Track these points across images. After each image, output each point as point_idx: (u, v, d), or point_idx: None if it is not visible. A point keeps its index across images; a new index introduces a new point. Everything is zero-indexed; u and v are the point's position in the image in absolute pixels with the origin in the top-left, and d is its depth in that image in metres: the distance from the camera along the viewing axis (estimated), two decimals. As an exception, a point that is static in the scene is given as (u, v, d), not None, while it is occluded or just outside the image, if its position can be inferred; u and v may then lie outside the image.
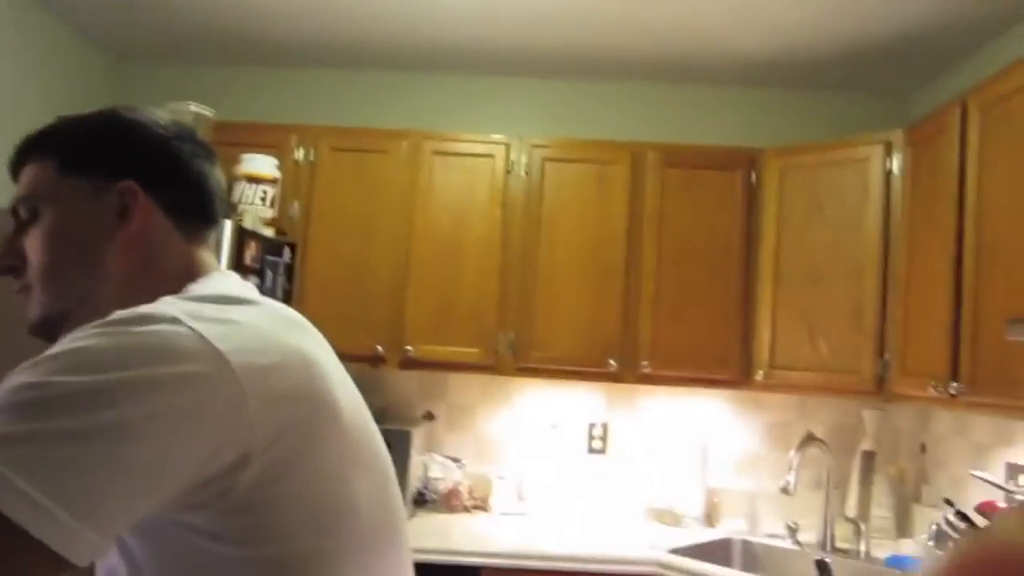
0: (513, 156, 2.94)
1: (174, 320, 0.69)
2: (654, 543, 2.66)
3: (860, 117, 3.17)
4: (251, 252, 2.35)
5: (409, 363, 2.88)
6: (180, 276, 0.84)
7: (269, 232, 2.60)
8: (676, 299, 2.88)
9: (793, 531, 2.78)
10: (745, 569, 2.65)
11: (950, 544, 2.13)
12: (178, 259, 0.86)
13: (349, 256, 2.91)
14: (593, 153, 2.97)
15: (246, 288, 0.88)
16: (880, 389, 2.59)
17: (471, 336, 2.87)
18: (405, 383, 3.16)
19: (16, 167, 0.88)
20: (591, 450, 3.14)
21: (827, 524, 2.75)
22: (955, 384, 2.14)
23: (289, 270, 2.66)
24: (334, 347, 0.90)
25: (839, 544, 2.73)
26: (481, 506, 3.03)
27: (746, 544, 2.85)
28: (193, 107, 2.54)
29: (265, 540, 0.71)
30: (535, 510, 3.03)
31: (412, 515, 2.85)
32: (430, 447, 3.10)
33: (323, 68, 3.34)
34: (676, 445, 3.08)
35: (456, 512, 2.95)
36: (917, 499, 2.83)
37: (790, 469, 2.63)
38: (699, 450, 3.03)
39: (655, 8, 2.62)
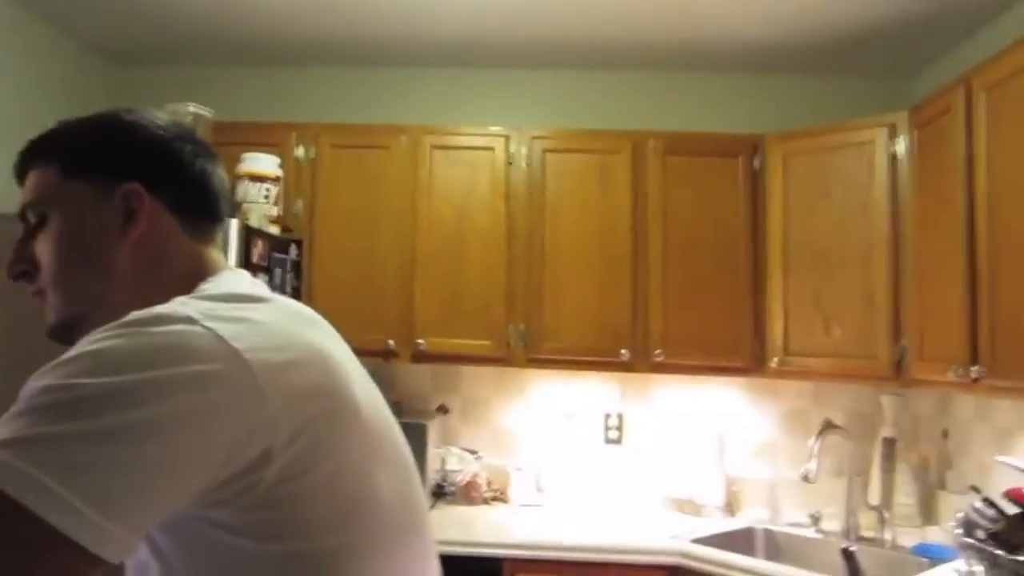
0: (513, 148, 2.92)
1: (189, 320, 0.69)
2: (675, 533, 2.63)
3: (863, 100, 3.13)
4: (258, 250, 2.32)
5: (421, 356, 2.87)
6: (190, 275, 0.84)
7: (275, 230, 2.57)
8: (684, 287, 2.86)
9: (816, 520, 2.75)
10: (769, 558, 2.62)
11: (978, 532, 2.09)
12: (187, 259, 0.87)
13: (355, 252, 2.89)
14: (594, 143, 2.94)
15: (257, 286, 0.88)
16: (898, 374, 2.55)
17: (481, 328, 2.86)
18: (418, 377, 3.14)
19: (21, 172, 0.88)
20: (607, 440, 3.11)
21: (850, 512, 2.71)
22: (976, 368, 2.10)
23: (297, 267, 2.63)
24: (346, 342, 0.89)
25: (863, 532, 2.69)
26: (500, 497, 3.02)
27: (768, 533, 2.82)
28: (192, 108, 2.51)
29: (290, 535, 0.71)
30: (554, 501, 3.02)
31: (432, 507, 2.88)
32: (446, 440, 3.10)
33: (321, 66, 3.31)
34: (692, 434, 3.05)
35: (475, 504, 2.95)
36: (941, 486, 2.79)
37: (810, 457, 2.59)
38: (716, 439, 2.99)
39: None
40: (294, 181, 2.87)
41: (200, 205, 0.89)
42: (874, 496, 2.80)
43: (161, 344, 0.66)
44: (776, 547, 2.78)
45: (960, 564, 2.07)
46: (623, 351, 2.82)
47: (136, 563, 0.78)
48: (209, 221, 0.90)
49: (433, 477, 2.96)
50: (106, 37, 3.09)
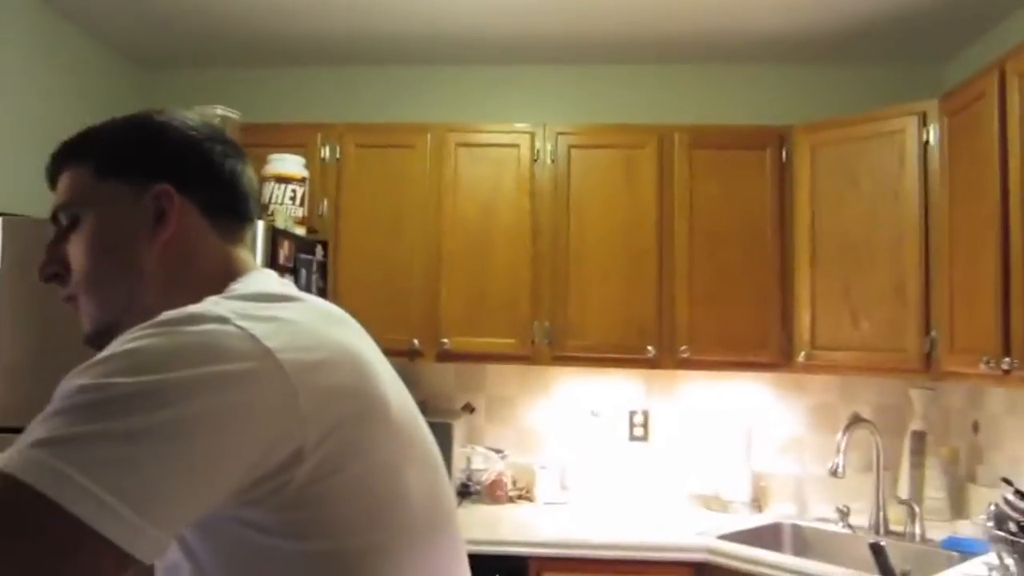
0: (538, 144, 2.92)
1: (222, 319, 0.69)
2: (702, 529, 2.63)
3: (891, 89, 3.08)
4: (284, 251, 2.34)
5: (446, 356, 2.88)
6: (220, 276, 0.84)
7: (301, 231, 2.59)
8: (711, 282, 2.84)
9: (844, 515, 2.72)
10: (797, 554, 2.60)
11: (1010, 524, 2.06)
12: (217, 259, 0.87)
13: (381, 251, 2.91)
14: (619, 138, 2.93)
15: (286, 285, 0.88)
16: (928, 367, 2.52)
17: (506, 327, 2.86)
18: (443, 376, 3.16)
19: (53, 175, 0.88)
20: (633, 438, 3.11)
21: (879, 507, 2.69)
22: (1007, 359, 2.07)
23: (323, 268, 2.66)
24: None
25: (892, 527, 2.67)
26: (525, 496, 3.03)
27: (796, 528, 2.80)
28: (220, 110, 2.55)
29: (321, 535, 0.71)
30: (579, 499, 3.02)
31: (458, 506, 2.86)
32: (471, 439, 3.12)
33: (345, 65, 3.33)
34: (719, 430, 3.03)
35: (500, 503, 2.95)
36: (972, 479, 2.75)
37: (838, 451, 2.57)
38: (743, 435, 2.98)
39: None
40: (319, 182, 2.89)
41: (230, 205, 0.89)
42: (903, 490, 2.77)
43: (195, 343, 0.66)
44: (804, 543, 2.76)
45: (991, 557, 2.05)
46: (649, 348, 2.81)
47: (168, 563, 0.79)
48: (238, 221, 0.90)
49: (458, 476, 2.97)
50: (134, 41, 3.14)
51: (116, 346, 0.67)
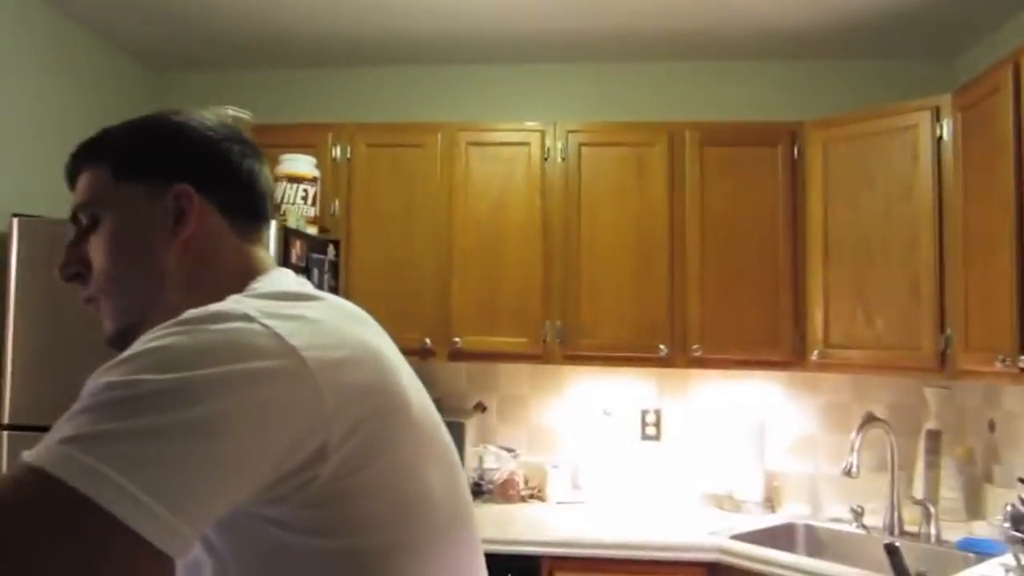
0: (549, 143, 2.91)
1: (247, 317, 0.69)
2: (714, 529, 2.62)
3: (904, 83, 3.06)
4: (297, 251, 2.35)
5: (458, 355, 2.88)
6: (239, 275, 0.85)
7: (313, 230, 2.60)
8: (723, 280, 2.83)
9: (858, 515, 2.70)
10: (810, 554, 2.59)
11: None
12: (236, 258, 0.87)
13: (392, 250, 2.91)
14: (629, 136, 2.92)
15: (304, 284, 0.89)
16: (943, 366, 2.49)
17: (518, 326, 2.86)
18: (455, 375, 3.16)
19: (72, 175, 0.89)
20: (645, 437, 3.10)
21: (894, 507, 2.67)
22: (1024, 358, 2.05)
23: (334, 267, 2.67)
24: (389, 341, 0.90)
25: (907, 527, 2.64)
26: (537, 495, 3.03)
27: (810, 529, 2.78)
28: (231, 111, 2.56)
29: (344, 532, 0.72)
30: (592, 498, 3.01)
31: (470, 505, 2.87)
32: (483, 438, 3.12)
33: (355, 66, 3.33)
34: (731, 429, 3.02)
35: (512, 502, 2.95)
36: (988, 479, 2.73)
37: (852, 451, 2.55)
38: (755, 434, 2.96)
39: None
40: (331, 181, 2.90)
41: (248, 205, 0.89)
42: (918, 490, 2.75)
43: (221, 341, 0.67)
44: (818, 543, 2.74)
45: (1008, 559, 2.03)
46: (661, 346, 2.81)
47: (189, 560, 0.79)
48: (256, 221, 0.90)
49: (471, 475, 2.97)
50: (146, 44, 3.15)
51: (141, 344, 0.67)
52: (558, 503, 2.96)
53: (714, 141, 2.88)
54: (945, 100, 2.53)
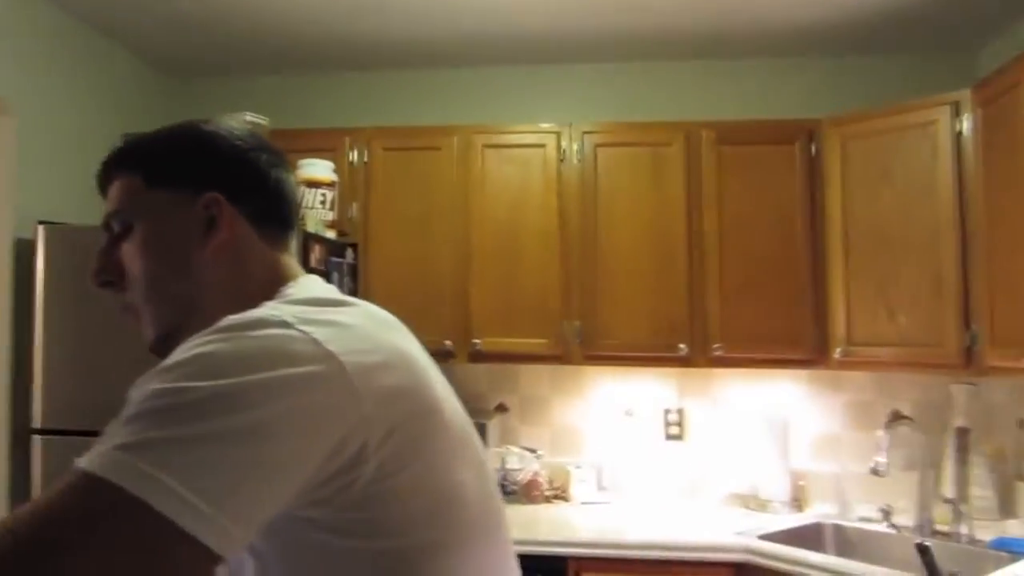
0: (564, 144, 2.91)
1: (285, 324, 0.71)
2: (741, 529, 2.59)
3: (922, 79, 3.03)
4: (316, 255, 2.36)
5: (478, 356, 2.88)
6: (269, 282, 0.86)
7: (331, 234, 2.61)
8: (742, 279, 2.81)
9: (887, 514, 2.67)
10: (840, 554, 2.55)
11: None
12: (264, 265, 0.88)
13: (410, 253, 2.92)
14: (645, 136, 2.92)
15: (333, 290, 0.90)
16: (969, 363, 2.46)
17: (537, 326, 2.85)
18: (476, 377, 3.15)
19: (104, 183, 0.90)
20: (668, 436, 3.08)
21: (923, 506, 2.63)
22: (1052, 352, 2.02)
23: (353, 270, 2.67)
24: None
25: (938, 527, 2.61)
26: (561, 496, 3.02)
27: (838, 528, 2.75)
28: (249, 117, 2.57)
29: (383, 533, 0.73)
30: (616, 499, 3.00)
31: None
32: (505, 439, 3.11)
33: (370, 70, 3.35)
34: (755, 428, 2.99)
35: (536, 502, 2.94)
36: (1020, 477, 2.68)
37: (879, 449, 2.52)
38: (779, 432, 2.93)
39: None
40: (348, 185, 2.91)
41: (276, 213, 0.90)
42: (948, 489, 2.71)
43: (263, 348, 0.68)
44: (847, 543, 2.71)
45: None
46: (681, 346, 2.79)
47: (232, 562, 0.80)
48: (283, 228, 0.92)
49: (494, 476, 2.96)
50: (165, 52, 3.18)
51: (184, 352, 0.68)
52: (583, 503, 2.95)
53: (731, 140, 2.87)
54: (964, 95, 2.51)
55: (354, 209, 2.93)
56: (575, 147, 2.91)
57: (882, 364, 2.71)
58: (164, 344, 0.85)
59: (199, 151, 0.88)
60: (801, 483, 2.93)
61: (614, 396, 3.12)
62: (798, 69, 3.19)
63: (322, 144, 2.90)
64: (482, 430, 2.80)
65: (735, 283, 2.81)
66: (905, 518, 2.66)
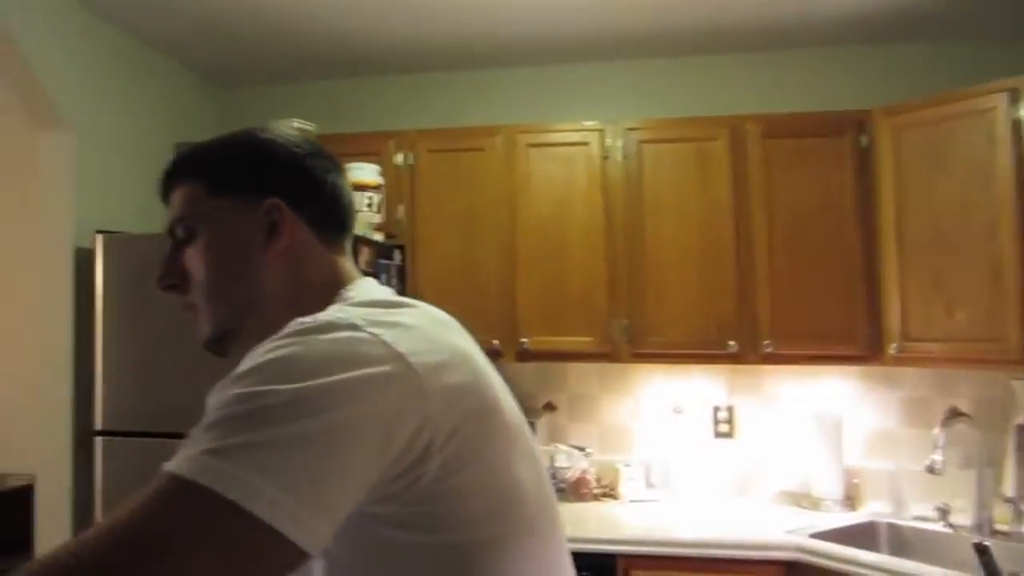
0: (608, 141, 2.90)
1: (354, 327, 0.73)
2: (792, 527, 2.56)
3: (975, 66, 2.92)
4: (364, 258, 2.39)
5: (525, 355, 2.89)
6: (329, 285, 0.89)
7: (379, 237, 2.64)
8: (793, 274, 2.77)
9: (945, 513, 2.60)
10: (894, 553, 2.50)
11: None
12: (323, 269, 0.90)
13: (457, 254, 2.94)
14: (690, 131, 2.89)
15: (390, 292, 0.92)
16: (1030, 357, 2.39)
17: (584, 325, 2.85)
18: (524, 375, 3.15)
19: (166, 190, 0.93)
20: (718, 434, 3.06)
21: (982, 505, 2.56)
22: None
23: (401, 272, 2.70)
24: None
25: (997, 526, 2.54)
26: (610, 494, 3.02)
27: (892, 527, 2.70)
28: (296, 123, 2.62)
29: (447, 528, 0.75)
30: (665, 497, 2.99)
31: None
32: (554, 437, 3.12)
33: (412, 74, 3.38)
34: (807, 426, 2.95)
35: (585, 500, 2.95)
36: (1084, 474, 2.59)
37: (935, 447, 2.46)
38: (832, 430, 2.88)
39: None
40: (394, 187, 2.94)
41: (333, 217, 0.93)
42: (1008, 487, 2.63)
43: (337, 350, 0.70)
44: (902, 542, 2.65)
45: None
46: (730, 343, 2.76)
47: None
48: (340, 232, 0.94)
49: (542, 474, 2.98)
50: (213, 62, 3.26)
51: (258, 356, 0.70)
52: (631, 501, 2.94)
53: (778, 133, 2.83)
54: (1022, 81, 2.43)
55: (400, 211, 2.96)
56: (619, 144, 2.90)
57: (939, 360, 2.64)
58: (218, 343, 0.90)
59: (259, 158, 0.91)
60: (855, 481, 2.88)
61: (663, 394, 3.10)
62: (845, 59, 3.12)
63: (368, 148, 2.94)
64: (531, 428, 2.80)
65: (785, 278, 2.77)
66: (963, 517, 2.60)
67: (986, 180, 2.49)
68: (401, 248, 2.84)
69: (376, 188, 2.73)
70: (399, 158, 3.00)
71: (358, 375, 0.68)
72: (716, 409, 3.06)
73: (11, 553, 3.16)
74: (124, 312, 2.48)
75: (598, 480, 3.01)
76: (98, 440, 2.45)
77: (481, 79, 3.35)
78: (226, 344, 0.89)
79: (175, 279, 0.90)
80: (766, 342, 2.75)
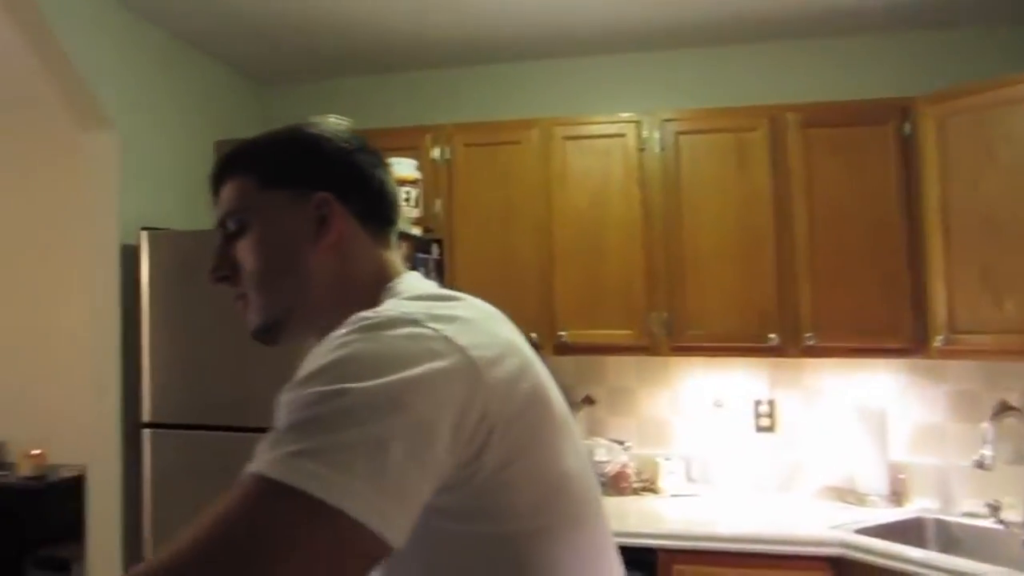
0: (645, 133, 2.88)
1: (416, 322, 0.74)
2: (837, 523, 2.52)
3: (1020, 52, 2.85)
4: (402, 252, 2.40)
5: (564, 349, 2.88)
6: (376, 278, 0.90)
7: (417, 231, 2.66)
8: (835, 266, 2.72)
9: (995, 509, 2.54)
10: (943, 550, 2.45)
11: None
12: (371, 262, 0.92)
13: (494, 247, 2.94)
14: (728, 121, 2.86)
15: (435, 285, 0.93)
16: (1084, 349, 2.32)
17: (622, 318, 2.84)
18: (562, 369, 3.13)
19: (217, 184, 0.95)
20: (759, 428, 3.02)
21: (1034, 500, 2.50)
22: None
23: (439, 266, 2.71)
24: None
25: (1050, 522, 2.47)
26: (650, 488, 3.00)
27: (940, 524, 2.64)
28: (334, 119, 2.64)
29: (498, 518, 0.76)
30: (706, 491, 2.96)
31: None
32: (593, 431, 3.11)
33: (447, 68, 3.39)
34: (851, 420, 2.89)
35: (625, 494, 2.94)
36: None
37: (984, 442, 2.40)
38: (877, 424, 2.83)
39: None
40: (432, 182, 2.95)
41: (379, 211, 0.94)
42: (1062, 483, 2.56)
43: (403, 346, 0.71)
44: (950, 539, 2.59)
45: None
46: (771, 336, 2.72)
47: None
48: (386, 226, 0.95)
49: (581, 468, 2.97)
50: (252, 60, 3.31)
51: (328, 354, 0.71)
52: (672, 495, 2.93)
53: (818, 122, 2.78)
54: (1075, 64, 2.36)
55: (438, 205, 2.97)
56: (656, 135, 2.87)
57: (987, 352, 2.58)
58: (268, 333, 0.91)
59: (309, 153, 0.92)
60: (901, 476, 2.83)
61: (703, 387, 3.07)
62: (886, 46, 3.05)
63: (405, 142, 2.95)
64: (571, 421, 2.80)
65: (827, 270, 2.72)
66: (1014, 514, 2.53)
67: (1037, 167, 2.41)
68: (439, 242, 2.85)
69: (413, 183, 2.74)
70: (436, 152, 3.01)
71: (427, 370, 0.69)
72: (757, 403, 3.02)
73: (64, 540, 3.25)
74: (170, 307, 2.53)
75: (638, 474, 2.99)
76: (146, 432, 2.51)
77: (516, 72, 3.35)
78: (275, 334, 0.91)
79: (227, 271, 0.92)
80: (808, 335, 2.71)
